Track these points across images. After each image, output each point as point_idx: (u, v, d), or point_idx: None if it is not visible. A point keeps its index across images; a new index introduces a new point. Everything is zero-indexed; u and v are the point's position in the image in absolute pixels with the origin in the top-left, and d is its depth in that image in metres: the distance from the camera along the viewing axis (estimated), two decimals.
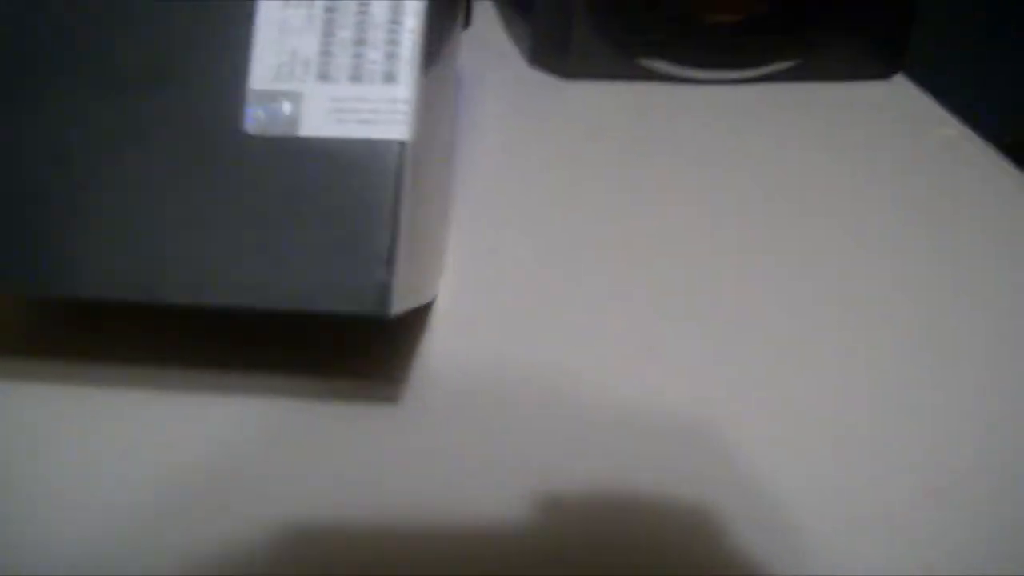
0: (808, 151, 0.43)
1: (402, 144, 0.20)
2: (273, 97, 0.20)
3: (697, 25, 0.47)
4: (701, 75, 0.49)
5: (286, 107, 0.20)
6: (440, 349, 0.30)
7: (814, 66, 0.48)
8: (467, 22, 0.52)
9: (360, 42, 0.21)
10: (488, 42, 0.53)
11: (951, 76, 0.48)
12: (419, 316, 0.31)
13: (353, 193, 0.20)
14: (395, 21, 0.21)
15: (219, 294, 0.20)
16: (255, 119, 0.20)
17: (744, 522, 0.25)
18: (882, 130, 0.46)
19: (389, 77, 0.21)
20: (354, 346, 0.30)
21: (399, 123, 0.20)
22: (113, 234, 0.20)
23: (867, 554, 0.24)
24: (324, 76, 0.21)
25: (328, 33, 0.21)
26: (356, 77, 0.21)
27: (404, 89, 0.20)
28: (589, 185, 0.40)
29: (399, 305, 0.20)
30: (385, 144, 0.20)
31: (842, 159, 0.43)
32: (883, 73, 0.49)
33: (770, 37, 0.48)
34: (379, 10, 0.21)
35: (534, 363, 0.30)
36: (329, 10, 0.21)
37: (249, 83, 0.21)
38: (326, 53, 0.21)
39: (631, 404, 0.29)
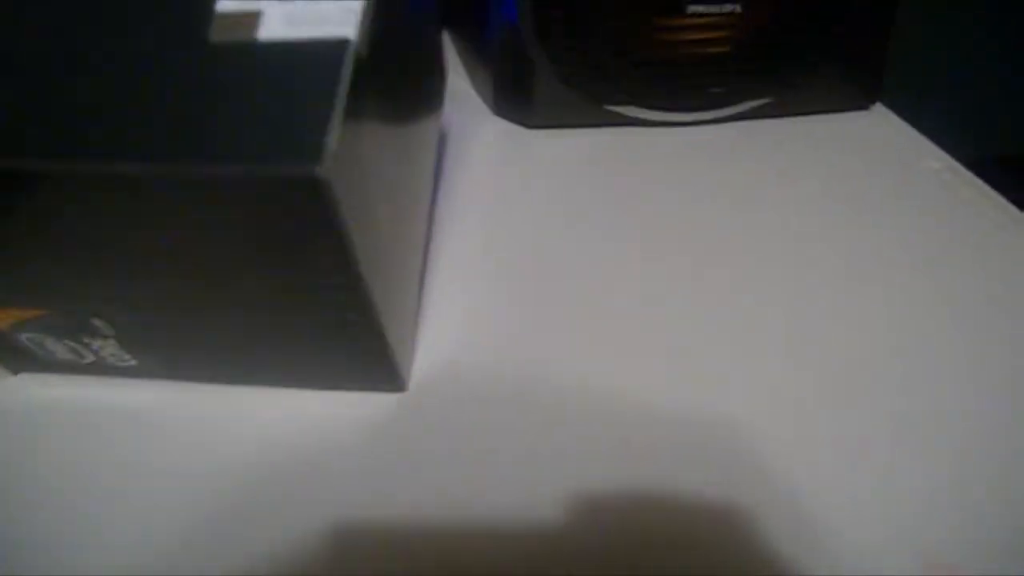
0: (790, 185, 0.42)
1: (348, 41, 0.21)
2: (235, 15, 0.22)
3: (663, 69, 0.45)
4: (671, 118, 0.47)
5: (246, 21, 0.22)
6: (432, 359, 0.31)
7: (789, 101, 0.47)
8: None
9: None
10: (452, 90, 0.52)
11: (929, 101, 0.46)
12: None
13: (299, 79, 0.21)
14: None
15: (156, 154, 0.20)
16: (218, 30, 0.22)
17: (748, 518, 0.25)
18: (864, 160, 0.44)
19: None
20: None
21: (347, 25, 0.21)
22: (76, 110, 0.21)
23: (891, 555, 0.24)
24: None
25: None
26: None
27: (355, 2, 0.22)
28: (566, 228, 0.39)
29: (340, 184, 0.20)
30: (333, 41, 0.21)
31: (825, 190, 0.42)
32: (861, 103, 0.47)
33: (740, 77, 0.46)
34: None
35: (522, 376, 0.30)
36: None
37: (216, 7, 0.22)
38: None
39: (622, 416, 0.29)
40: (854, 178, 0.43)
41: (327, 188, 0.19)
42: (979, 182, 0.43)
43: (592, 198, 0.41)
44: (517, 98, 0.47)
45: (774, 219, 0.39)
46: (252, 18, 0.22)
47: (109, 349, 0.27)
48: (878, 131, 0.46)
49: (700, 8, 0.44)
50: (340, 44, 0.21)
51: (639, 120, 0.47)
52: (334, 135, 0.20)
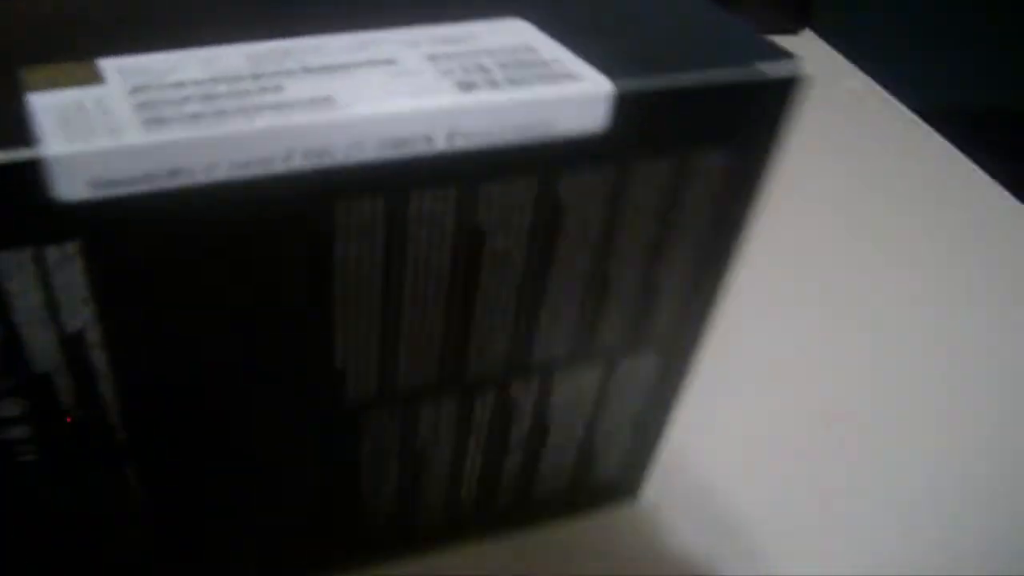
0: None
1: None
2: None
3: None
4: None
5: None
6: None
7: None
8: None
9: None
10: None
11: (856, 31, 0.52)
12: None
13: None
14: None
15: None
16: None
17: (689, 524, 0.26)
18: None
19: None
20: None
21: None
22: None
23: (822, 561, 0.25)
24: None
25: None
26: None
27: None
28: None
29: None
30: None
31: None
32: (790, 28, 0.53)
33: None
34: None
35: None
36: None
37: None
38: None
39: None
40: None
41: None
42: (891, 97, 0.49)
43: None
44: None
45: None
46: None
47: None
48: (805, 53, 0.52)
49: None
50: None
51: None
52: None
